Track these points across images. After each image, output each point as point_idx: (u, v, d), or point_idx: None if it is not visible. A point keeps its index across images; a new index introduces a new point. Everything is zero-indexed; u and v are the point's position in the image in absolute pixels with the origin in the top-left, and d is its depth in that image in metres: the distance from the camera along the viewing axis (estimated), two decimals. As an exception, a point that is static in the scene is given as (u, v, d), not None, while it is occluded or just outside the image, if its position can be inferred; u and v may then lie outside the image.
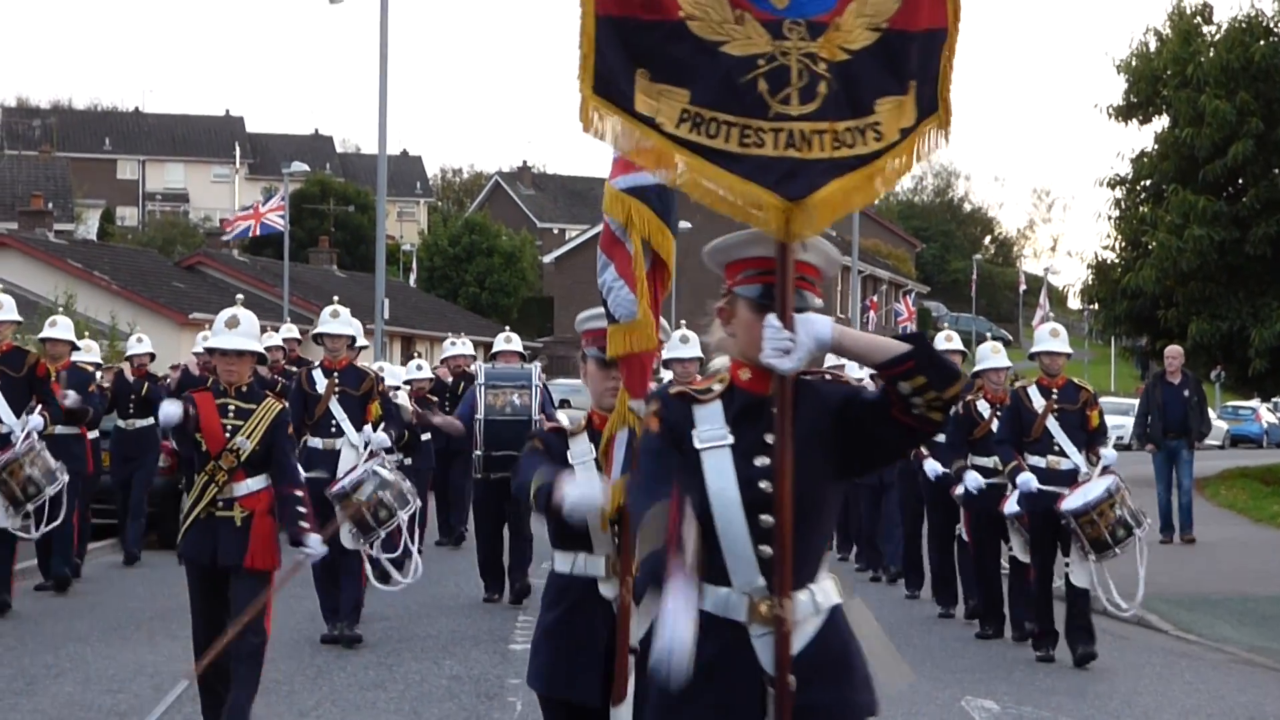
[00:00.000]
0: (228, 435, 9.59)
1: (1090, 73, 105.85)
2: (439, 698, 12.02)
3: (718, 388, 4.67)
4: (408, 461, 17.51)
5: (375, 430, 13.95)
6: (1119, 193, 39.70)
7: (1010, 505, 14.24)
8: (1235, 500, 31.38)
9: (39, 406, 15.17)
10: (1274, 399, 50.04)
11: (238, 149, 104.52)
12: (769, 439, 4.50)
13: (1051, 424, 13.83)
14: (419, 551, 14.20)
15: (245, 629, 9.30)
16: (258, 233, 52.66)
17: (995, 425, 14.85)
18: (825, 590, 4.64)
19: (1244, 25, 37.41)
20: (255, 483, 9.69)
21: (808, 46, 4.40)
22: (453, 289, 73.75)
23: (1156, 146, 38.30)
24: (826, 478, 4.59)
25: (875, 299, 73.14)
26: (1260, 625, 16.18)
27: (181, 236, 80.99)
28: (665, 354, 12.68)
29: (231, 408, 9.68)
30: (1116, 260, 39.74)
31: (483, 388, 16.56)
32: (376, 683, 12.52)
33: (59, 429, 16.06)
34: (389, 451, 14.16)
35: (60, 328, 18.13)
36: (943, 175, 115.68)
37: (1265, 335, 34.22)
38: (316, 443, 13.82)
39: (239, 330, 9.78)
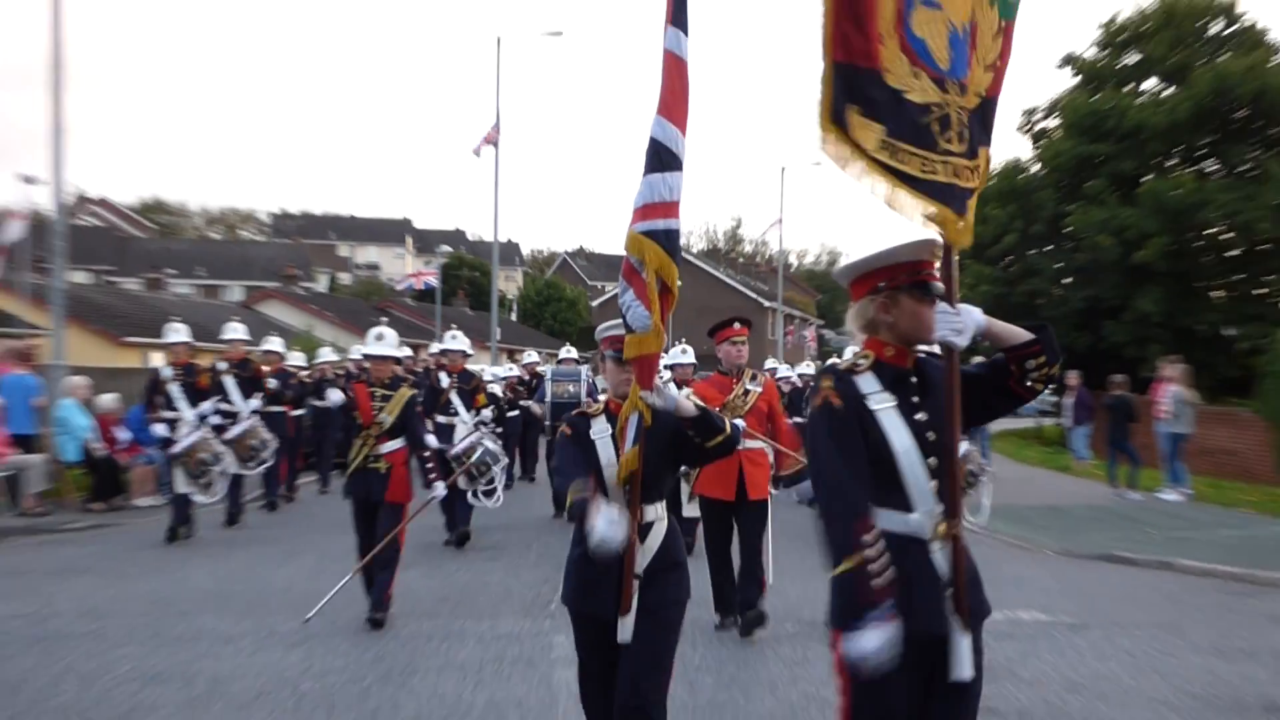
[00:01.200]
0: (375, 412, 9.25)
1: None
2: (529, 567, 12.06)
3: (864, 363, 4.03)
4: (499, 429, 17.37)
5: (481, 412, 13.41)
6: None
7: None
8: (1005, 449, 31.61)
9: (255, 395, 14.93)
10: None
11: (408, 238, 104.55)
12: (915, 399, 4.00)
13: None
14: (505, 489, 14.04)
15: (389, 543, 9.07)
16: (421, 288, 53.01)
17: None
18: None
19: (1013, 164, 37.70)
20: (394, 444, 9.28)
21: (959, 100, 4.04)
22: (537, 322, 73.75)
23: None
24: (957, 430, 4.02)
25: (791, 328, 72.63)
26: (1020, 523, 16.16)
27: (376, 291, 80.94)
28: (669, 360, 12.12)
29: (378, 394, 9.32)
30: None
31: (549, 381, 17.01)
32: (489, 559, 12.55)
33: (272, 408, 15.77)
34: (488, 424, 13.61)
35: (273, 343, 17.62)
36: (833, 253, 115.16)
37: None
38: (441, 419, 13.28)
39: (384, 342, 9.56)
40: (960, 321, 3.92)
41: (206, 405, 13.67)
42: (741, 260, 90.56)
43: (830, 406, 3.93)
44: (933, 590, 3.94)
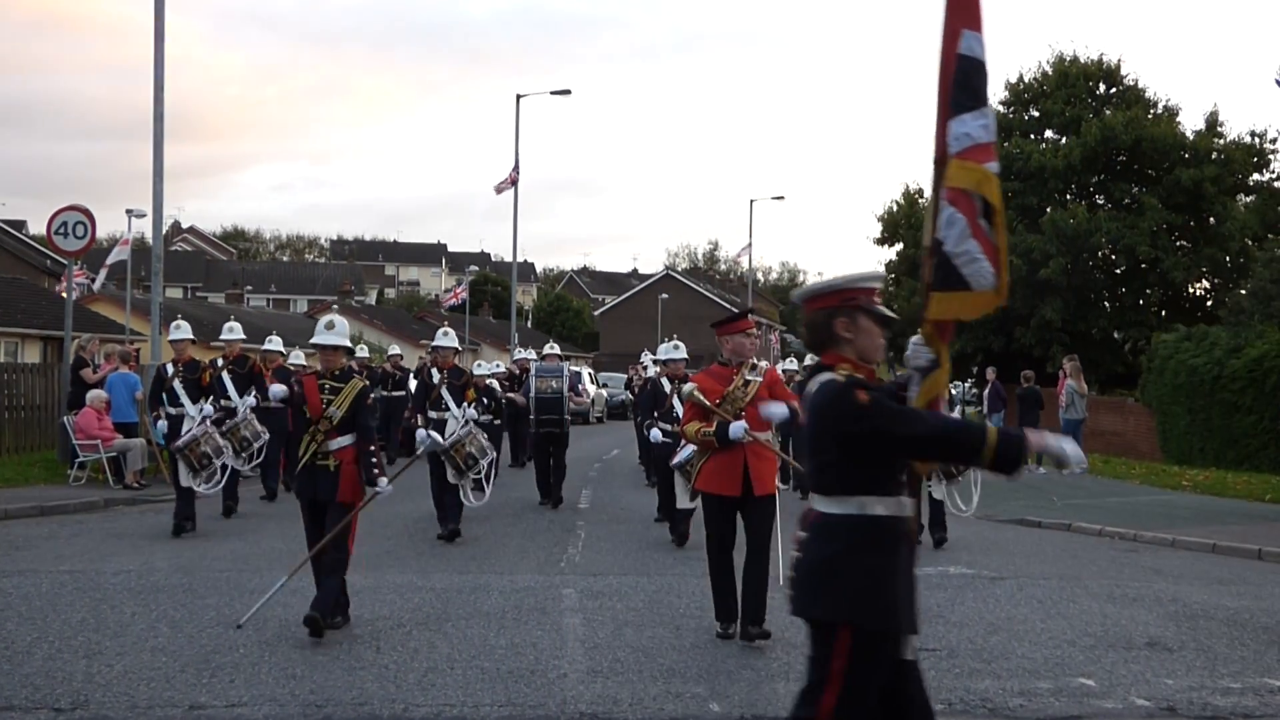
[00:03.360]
0: (324, 406, 7.24)
1: (864, 221, 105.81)
2: (542, 531, 11.95)
3: None
4: (496, 421, 14.79)
5: (470, 407, 11.25)
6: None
7: None
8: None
9: (253, 390, 12.81)
10: (956, 381, 50.38)
11: (443, 260, 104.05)
12: None
13: None
14: (493, 478, 11.96)
15: (333, 545, 7.15)
16: (456, 300, 53.01)
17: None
18: None
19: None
20: (344, 440, 7.27)
21: None
22: (549, 329, 73.50)
23: (895, 258, 38.52)
24: None
25: (759, 334, 72.70)
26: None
27: (416, 304, 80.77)
28: (662, 355, 11.54)
29: (327, 386, 7.32)
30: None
31: (533, 377, 14.64)
32: (510, 524, 12.41)
33: (271, 404, 13.33)
34: (478, 419, 11.55)
35: (275, 343, 15.01)
36: (793, 269, 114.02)
37: (950, 352, 34.79)
38: (433, 414, 11.24)
39: (335, 332, 7.49)
40: None
41: (208, 406, 11.82)
42: (718, 277, 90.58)
43: None
44: None
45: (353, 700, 5.65)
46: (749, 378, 7.18)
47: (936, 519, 11.04)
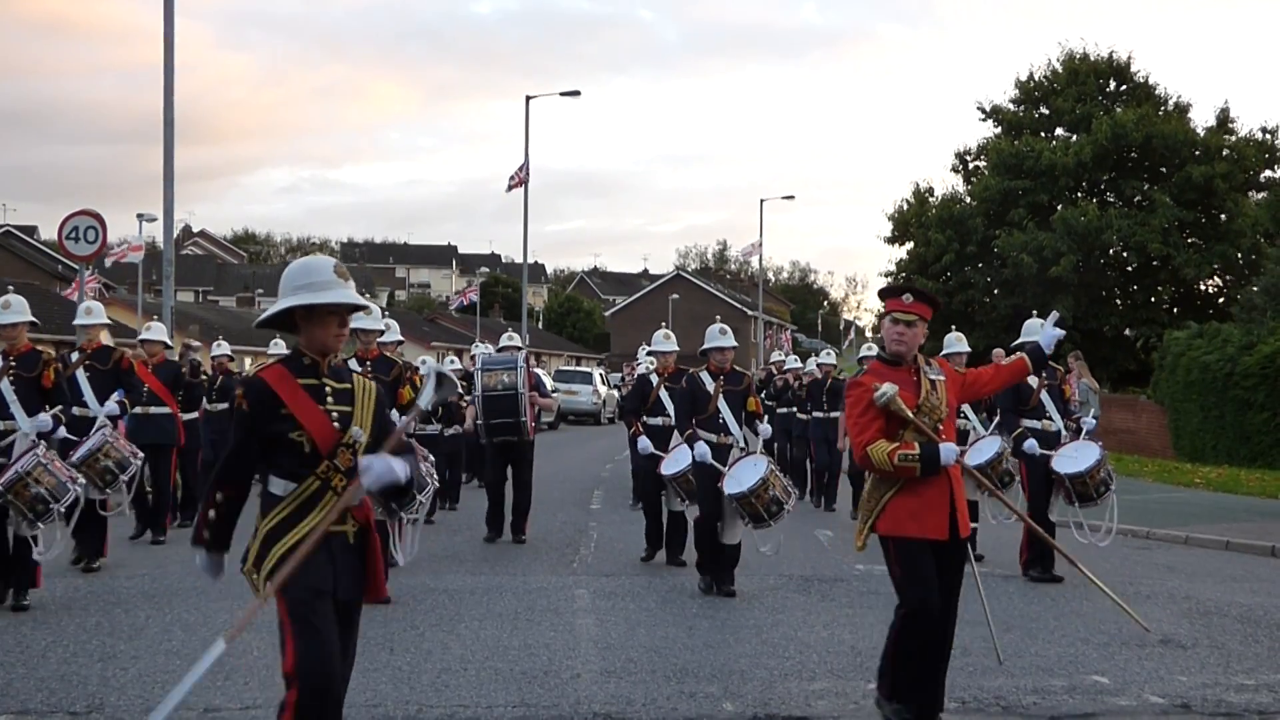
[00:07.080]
0: (337, 426, 3.79)
1: (874, 219, 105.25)
2: (555, 532, 11.83)
3: None
4: (448, 431, 13.37)
5: (405, 415, 6.74)
6: (888, 279, 40.03)
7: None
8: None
9: (115, 394, 9.43)
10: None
11: (454, 262, 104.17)
12: None
13: (1044, 396, 9.42)
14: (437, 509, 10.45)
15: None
16: (466, 301, 53.16)
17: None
18: None
19: (950, 196, 37.71)
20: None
21: None
22: (560, 330, 73.66)
23: (906, 257, 38.52)
24: None
25: (770, 333, 72.54)
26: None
27: (426, 305, 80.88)
28: (653, 347, 10.01)
29: (329, 390, 3.82)
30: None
31: (479, 372, 11.08)
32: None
33: (152, 409, 10.50)
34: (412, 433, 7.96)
35: (154, 331, 11.26)
36: (804, 268, 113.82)
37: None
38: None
39: (352, 284, 3.86)
40: None
41: (45, 417, 7.80)
42: (728, 276, 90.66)
43: None
44: None
45: (366, 702, 5.67)
46: (933, 377, 5.36)
47: (1047, 549, 9.15)
